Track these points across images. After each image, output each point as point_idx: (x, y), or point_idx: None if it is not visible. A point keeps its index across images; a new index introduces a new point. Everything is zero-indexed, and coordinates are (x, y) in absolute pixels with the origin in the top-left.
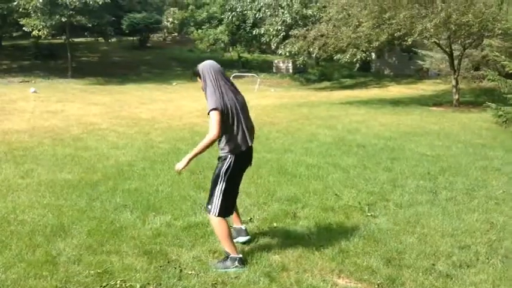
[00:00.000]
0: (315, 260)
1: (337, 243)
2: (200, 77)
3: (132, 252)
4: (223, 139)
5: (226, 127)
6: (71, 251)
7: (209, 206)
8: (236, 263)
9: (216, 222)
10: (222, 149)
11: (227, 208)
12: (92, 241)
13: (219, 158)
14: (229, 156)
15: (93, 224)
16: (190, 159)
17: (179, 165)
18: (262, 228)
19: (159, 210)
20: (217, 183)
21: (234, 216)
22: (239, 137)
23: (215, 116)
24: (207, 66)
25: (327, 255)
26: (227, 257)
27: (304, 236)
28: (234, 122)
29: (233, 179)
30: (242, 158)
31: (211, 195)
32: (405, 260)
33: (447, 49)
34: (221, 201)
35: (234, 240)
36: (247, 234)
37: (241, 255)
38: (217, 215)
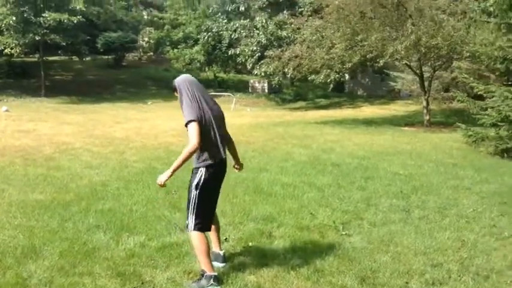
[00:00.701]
0: (291, 279)
1: (312, 262)
2: (177, 91)
3: (105, 273)
4: (199, 151)
5: (201, 138)
6: (42, 273)
7: (186, 222)
8: (211, 281)
9: (194, 237)
10: (194, 160)
11: (203, 222)
12: (64, 262)
13: (192, 170)
14: (200, 168)
15: (65, 245)
16: (173, 172)
17: (162, 178)
18: (237, 248)
19: (133, 231)
20: (190, 197)
21: (214, 239)
22: (212, 149)
23: (194, 126)
24: (183, 79)
25: (302, 275)
26: (202, 275)
27: (279, 255)
28: (209, 133)
29: (206, 191)
30: (215, 170)
31: (187, 209)
32: (379, 278)
33: (418, 71)
34: (195, 215)
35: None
36: (225, 261)
37: (216, 273)
38: (193, 229)
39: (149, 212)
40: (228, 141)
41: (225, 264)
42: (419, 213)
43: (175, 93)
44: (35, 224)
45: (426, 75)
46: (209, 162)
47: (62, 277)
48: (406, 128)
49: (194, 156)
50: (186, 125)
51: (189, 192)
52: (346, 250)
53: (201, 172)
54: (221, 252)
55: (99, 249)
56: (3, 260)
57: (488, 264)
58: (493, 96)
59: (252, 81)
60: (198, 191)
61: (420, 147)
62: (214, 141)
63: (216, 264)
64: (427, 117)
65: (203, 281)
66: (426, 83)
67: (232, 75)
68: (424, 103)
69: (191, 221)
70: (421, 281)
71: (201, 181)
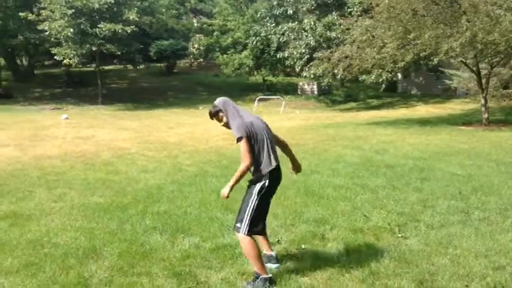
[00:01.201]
0: (345, 282)
1: (367, 265)
2: (222, 112)
3: (162, 273)
4: (254, 165)
5: (253, 151)
6: (102, 273)
7: (238, 225)
8: (267, 283)
9: (246, 242)
10: (252, 174)
11: (256, 227)
12: (122, 263)
13: (251, 181)
14: (263, 177)
15: (124, 246)
16: (232, 186)
17: (224, 192)
18: (290, 250)
19: (187, 232)
20: (249, 202)
21: (263, 242)
22: (267, 158)
23: (244, 145)
24: (224, 100)
25: (357, 277)
26: (256, 277)
27: (333, 257)
28: (259, 144)
29: (265, 197)
30: (272, 178)
31: (242, 213)
32: (438, 281)
33: (474, 68)
34: (251, 220)
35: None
36: (278, 262)
37: (271, 275)
38: (246, 233)
39: (203, 214)
40: (282, 145)
41: (279, 265)
42: (480, 215)
43: (219, 114)
44: (95, 226)
45: (483, 72)
46: (266, 170)
47: (121, 277)
48: (463, 127)
49: (252, 167)
50: (237, 141)
51: (248, 197)
52: (402, 253)
53: (264, 181)
54: (273, 254)
55: (156, 250)
56: (66, 260)
57: None
58: None
59: (301, 83)
60: (259, 197)
61: (479, 147)
62: (267, 150)
63: (270, 265)
64: (486, 116)
65: (258, 283)
66: (484, 80)
67: (281, 78)
68: (482, 101)
69: (245, 225)
70: (482, 284)
71: (264, 189)
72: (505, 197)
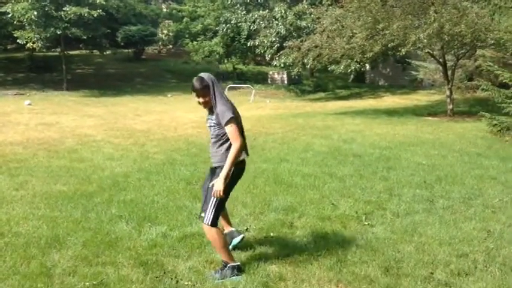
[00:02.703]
0: (313, 269)
1: (334, 253)
2: (209, 89)
3: (127, 263)
4: (224, 149)
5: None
6: (66, 263)
7: (203, 215)
8: (235, 271)
9: (212, 232)
10: (221, 159)
11: (218, 217)
12: (87, 252)
13: (216, 168)
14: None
15: (88, 235)
16: (227, 177)
17: (220, 187)
18: (258, 238)
19: (154, 221)
20: (214, 191)
21: (224, 222)
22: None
23: (234, 126)
24: (212, 78)
25: (325, 265)
26: (225, 265)
27: (301, 245)
28: (240, 130)
29: (230, 187)
30: (241, 167)
31: (207, 203)
32: (403, 268)
33: (440, 59)
34: (215, 211)
35: (231, 245)
36: (240, 233)
37: (239, 263)
38: (210, 223)
39: (170, 203)
40: None
41: (243, 235)
42: (444, 204)
43: (199, 92)
44: (58, 214)
45: (449, 64)
46: (240, 158)
47: (86, 267)
48: (429, 118)
49: (222, 156)
50: (226, 124)
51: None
52: (369, 240)
53: (233, 168)
54: (233, 229)
55: (122, 239)
56: (28, 250)
57: None
58: None
59: (271, 72)
60: (224, 186)
61: (444, 137)
62: (243, 138)
63: (236, 240)
64: (451, 107)
65: (227, 271)
66: (449, 72)
67: (251, 67)
68: (448, 92)
69: (210, 214)
70: (446, 272)
71: (229, 177)
72: (469, 186)
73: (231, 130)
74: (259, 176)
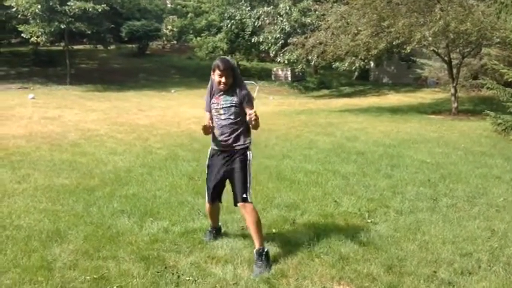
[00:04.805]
0: (315, 266)
1: (337, 250)
2: (235, 70)
3: (129, 257)
4: (246, 131)
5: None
6: (67, 257)
7: (245, 195)
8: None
9: (256, 211)
10: (241, 140)
11: None
12: (88, 246)
13: (237, 150)
14: (249, 147)
15: (89, 230)
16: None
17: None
18: None
19: (156, 216)
20: (247, 172)
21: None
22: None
23: None
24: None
25: (327, 262)
26: (262, 252)
27: (303, 242)
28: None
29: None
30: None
31: (246, 182)
32: (406, 267)
33: (446, 58)
34: (250, 188)
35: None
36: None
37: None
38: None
39: (172, 198)
40: None
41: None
42: (448, 202)
43: (232, 73)
44: (60, 208)
45: (454, 62)
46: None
47: (86, 261)
48: (433, 116)
49: (241, 136)
50: (252, 105)
51: (246, 167)
52: (372, 238)
53: (251, 150)
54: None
55: (123, 234)
56: (29, 243)
57: None
58: None
59: (275, 69)
60: (250, 166)
61: (448, 136)
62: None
63: (209, 236)
64: (455, 105)
65: (267, 259)
66: (454, 70)
67: (255, 63)
68: (452, 90)
69: (250, 193)
70: (449, 270)
71: (252, 158)
72: (473, 185)
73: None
74: (262, 172)
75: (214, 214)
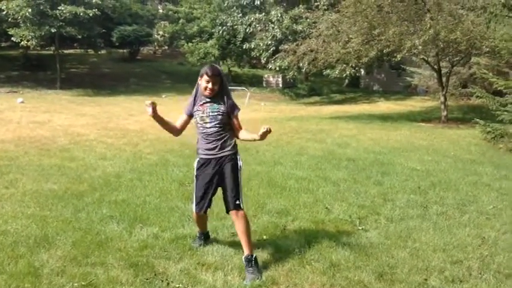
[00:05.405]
0: (306, 274)
1: (328, 257)
2: (223, 77)
3: (117, 264)
4: (231, 138)
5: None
6: (54, 263)
7: (238, 202)
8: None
9: (246, 217)
10: (229, 148)
11: None
12: (76, 253)
13: (227, 156)
14: (237, 152)
15: (78, 235)
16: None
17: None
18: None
19: (146, 222)
20: (239, 179)
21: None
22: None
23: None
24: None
25: (318, 269)
26: (253, 260)
27: (294, 249)
28: None
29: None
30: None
31: (238, 188)
32: (397, 274)
33: (435, 66)
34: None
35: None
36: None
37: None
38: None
39: (162, 204)
40: None
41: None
42: (438, 209)
43: (220, 80)
44: (48, 213)
45: (444, 70)
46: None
47: (74, 267)
48: (422, 124)
49: (228, 142)
50: (236, 112)
51: (237, 174)
52: (362, 245)
53: (239, 156)
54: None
55: (112, 240)
56: (16, 249)
57: (510, 262)
58: None
59: (266, 75)
60: (241, 172)
61: (437, 143)
62: None
63: (198, 242)
64: (445, 113)
65: (257, 264)
66: (444, 79)
67: (247, 70)
68: (442, 99)
69: (242, 199)
70: (440, 278)
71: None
72: (463, 193)
73: (239, 119)
74: (253, 178)
75: (201, 222)
